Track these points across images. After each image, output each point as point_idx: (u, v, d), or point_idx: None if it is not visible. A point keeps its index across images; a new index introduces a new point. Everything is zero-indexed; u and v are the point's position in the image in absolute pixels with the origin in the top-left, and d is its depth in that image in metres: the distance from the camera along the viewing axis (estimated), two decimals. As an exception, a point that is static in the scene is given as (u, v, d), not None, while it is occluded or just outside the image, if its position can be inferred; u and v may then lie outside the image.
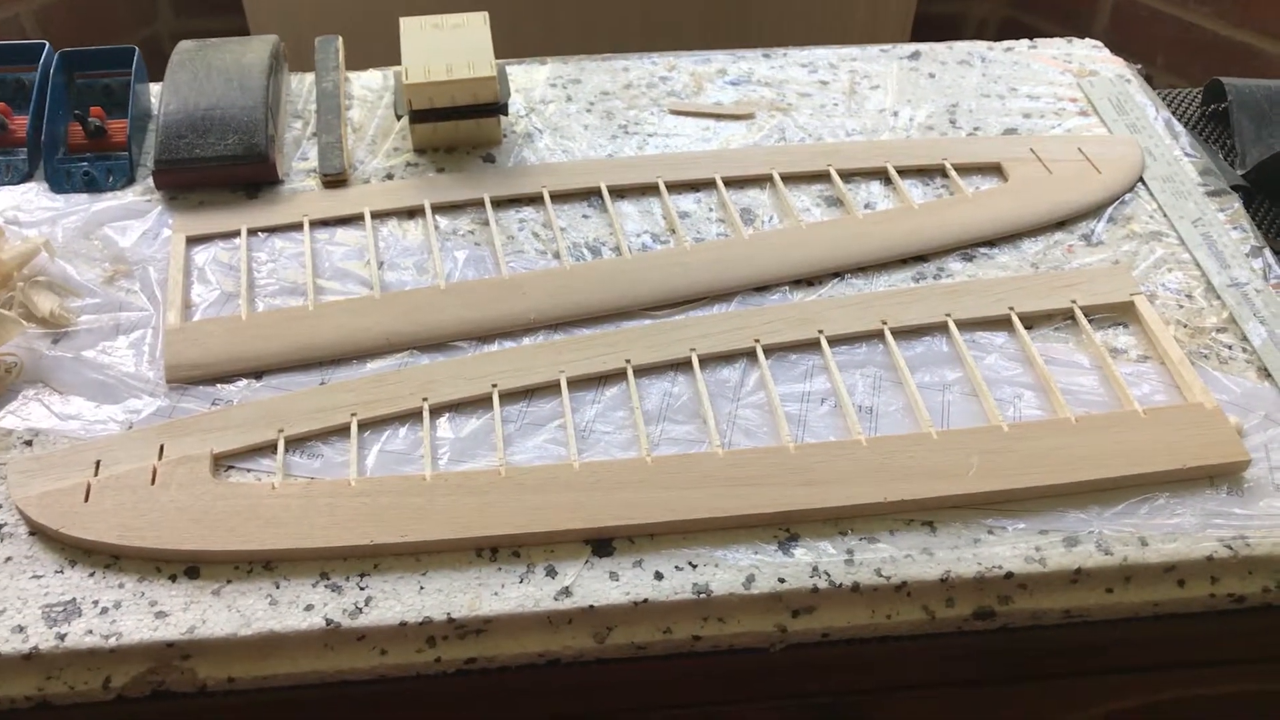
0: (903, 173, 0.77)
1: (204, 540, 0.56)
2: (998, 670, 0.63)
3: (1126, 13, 1.56)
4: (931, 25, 1.67)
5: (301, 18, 1.38)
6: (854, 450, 0.60)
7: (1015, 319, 0.67)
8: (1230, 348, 0.66)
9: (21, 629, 0.53)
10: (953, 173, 0.76)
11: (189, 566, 0.55)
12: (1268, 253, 0.72)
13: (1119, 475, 0.59)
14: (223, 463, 0.60)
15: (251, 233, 0.72)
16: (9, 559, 0.55)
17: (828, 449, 0.60)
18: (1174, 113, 0.85)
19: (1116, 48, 0.90)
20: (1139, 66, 0.87)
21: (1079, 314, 0.67)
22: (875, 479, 0.58)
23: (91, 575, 0.55)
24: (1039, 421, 0.61)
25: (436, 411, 0.62)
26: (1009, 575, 0.56)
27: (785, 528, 0.57)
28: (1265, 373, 0.65)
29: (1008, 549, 0.56)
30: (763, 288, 0.69)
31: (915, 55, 0.88)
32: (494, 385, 0.63)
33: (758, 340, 0.65)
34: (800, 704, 0.63)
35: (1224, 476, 0.59)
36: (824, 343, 0.65)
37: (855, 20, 1.48)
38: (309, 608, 0.54)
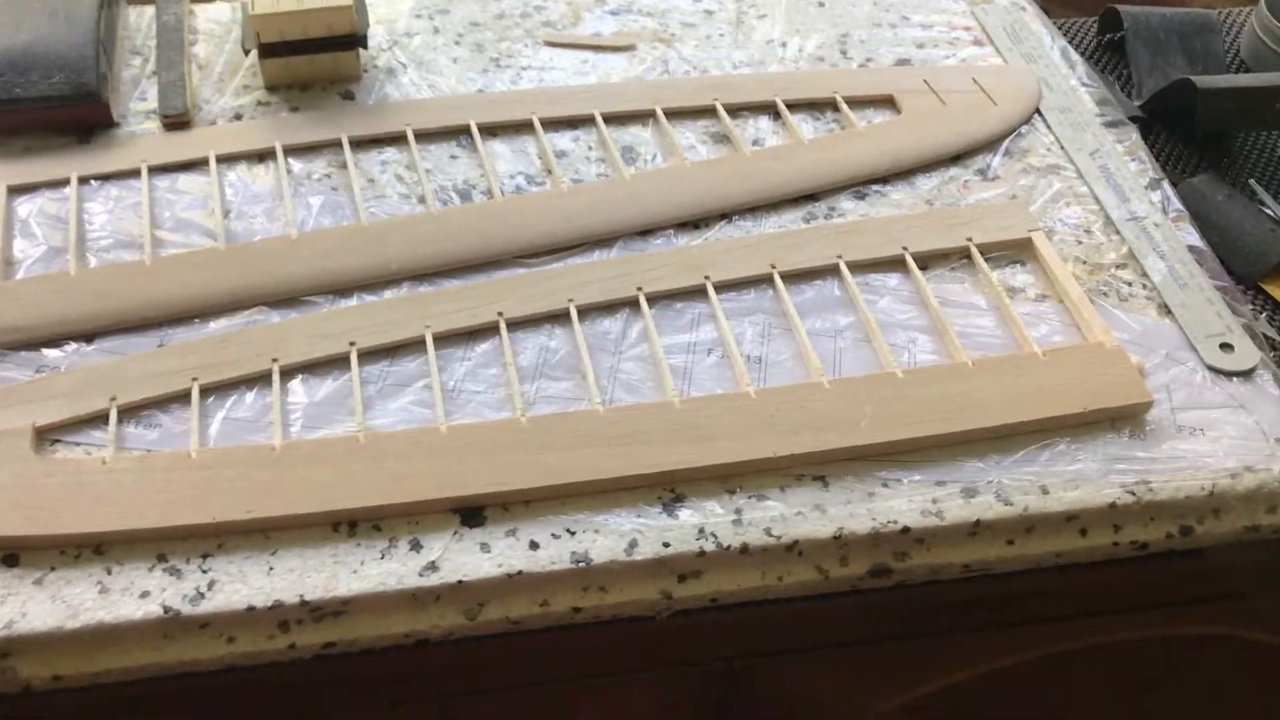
0: (792, 107, 0.73)
1: (24, 524, 0.50)
2: (896, 628, 0.60)
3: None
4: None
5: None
6: (742, 402, 0.56)
7: (909, 259, 0.63)
8: (1130, 284, 0.64)
9: None
10: (844, 106, 0.72)
11: (7, 554, 0.50)
12: (1166, 185, 0.69)
13: (1018, 421, 0.56)
14: (47, 436, 0.54)
15: (83, 181, 0.65)
16: None
17: (714, 403, 0.56)
18: (1070, 42, 0.82)
19: None
20: (1034, -7, 0.84)
21: (975, 253, 0.64)
22: (765, 433, 0.54)
23: (-108, 569, 0.49)
24: (934, 367, 0.58)
25: (288, 374, 0.57)
26: (905, 530, 0.53)
27: (670, 488, 0.53)
28: (1166, 309, 0.63)
29: (903, 503, 0.53)
30: (646, 231, 0.65)
31: (805, -17, 0.83)
32: (352, 344, 0.57)
33: (640, 289, 0.61)
34: (691, 672, 0.60)
35: (1126, 419, 0.57)
36: (710, 289, 0.61)
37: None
38: (145, 595, 0.49)
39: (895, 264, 0.64)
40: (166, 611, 0.48)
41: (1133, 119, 0.77)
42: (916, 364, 0.59)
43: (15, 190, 0.65)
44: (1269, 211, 0.73)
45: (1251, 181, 0.76)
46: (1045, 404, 0.56)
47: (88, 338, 0.58)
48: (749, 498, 0.53)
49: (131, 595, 0.48)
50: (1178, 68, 0.83)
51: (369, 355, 0.58)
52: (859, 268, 0.63)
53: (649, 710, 0.64)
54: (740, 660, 0.60)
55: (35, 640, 0.48)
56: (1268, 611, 0.65)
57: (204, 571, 0.49)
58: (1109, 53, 0.87)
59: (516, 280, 0.61)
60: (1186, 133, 0.79)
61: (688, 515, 0.52)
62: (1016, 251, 0.65)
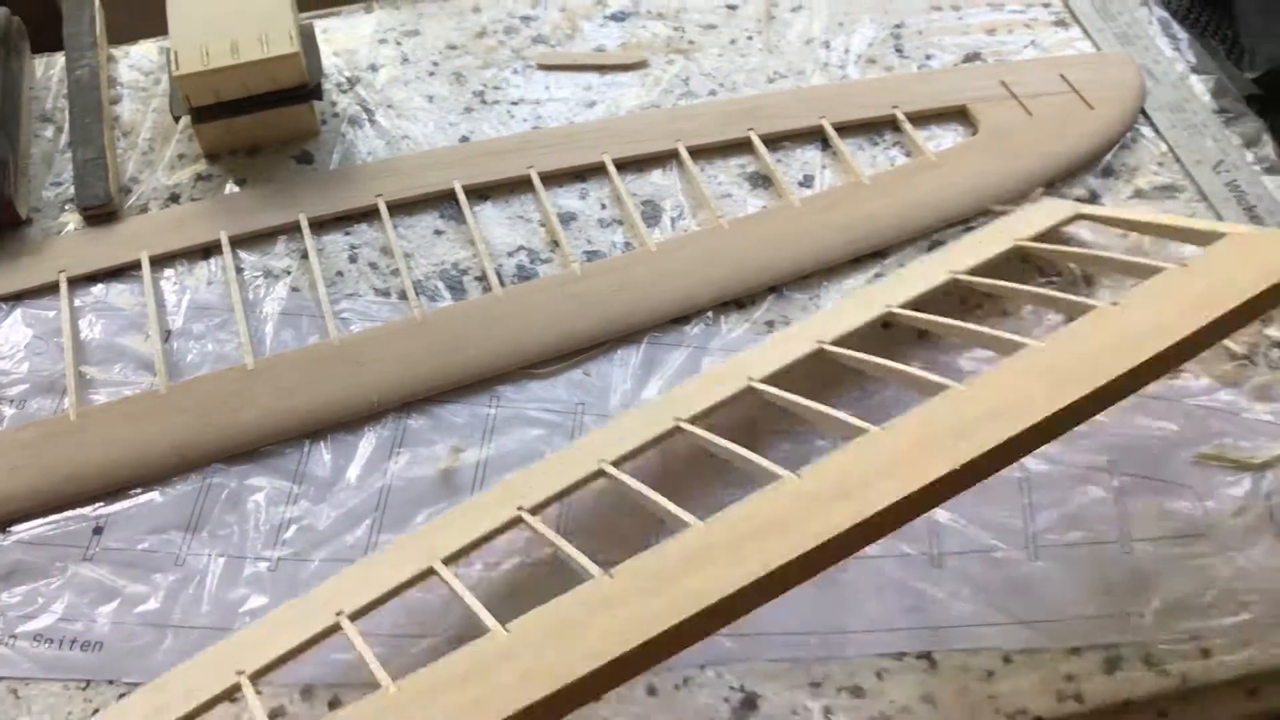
0: (843, 130, 0.60)
1: None
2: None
3: None
4: None
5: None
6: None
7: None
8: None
9: None
10: (907, 126, 0.59)
11: None
12: (1316, 204, 0.56)
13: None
14: None
15: (-18, 305, 0.54)
16: None
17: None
18: (1165, 6, 0.68)
19: None
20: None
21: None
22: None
23: None
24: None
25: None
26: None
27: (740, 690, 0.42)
28: (1325, 370, 0.50)
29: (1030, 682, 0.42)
30: (679, 319, 0.53)
31: (843, -39, 0.69)
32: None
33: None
34: None
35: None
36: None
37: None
38: None
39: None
40: None
41: (1248, 99, 0.63)
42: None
43: (-96, 326, 0.53)
44: None
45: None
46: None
47: (2, 526, 0.47)
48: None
49: None
50: (1299, 29, 0.69)
51: (351, 530, 0.46)
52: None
53: None
54: None
55: None
56: None
57: None
58: (1207, 9, 0.73)
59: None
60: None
61: (766, 728, 0.42)
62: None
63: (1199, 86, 0.62)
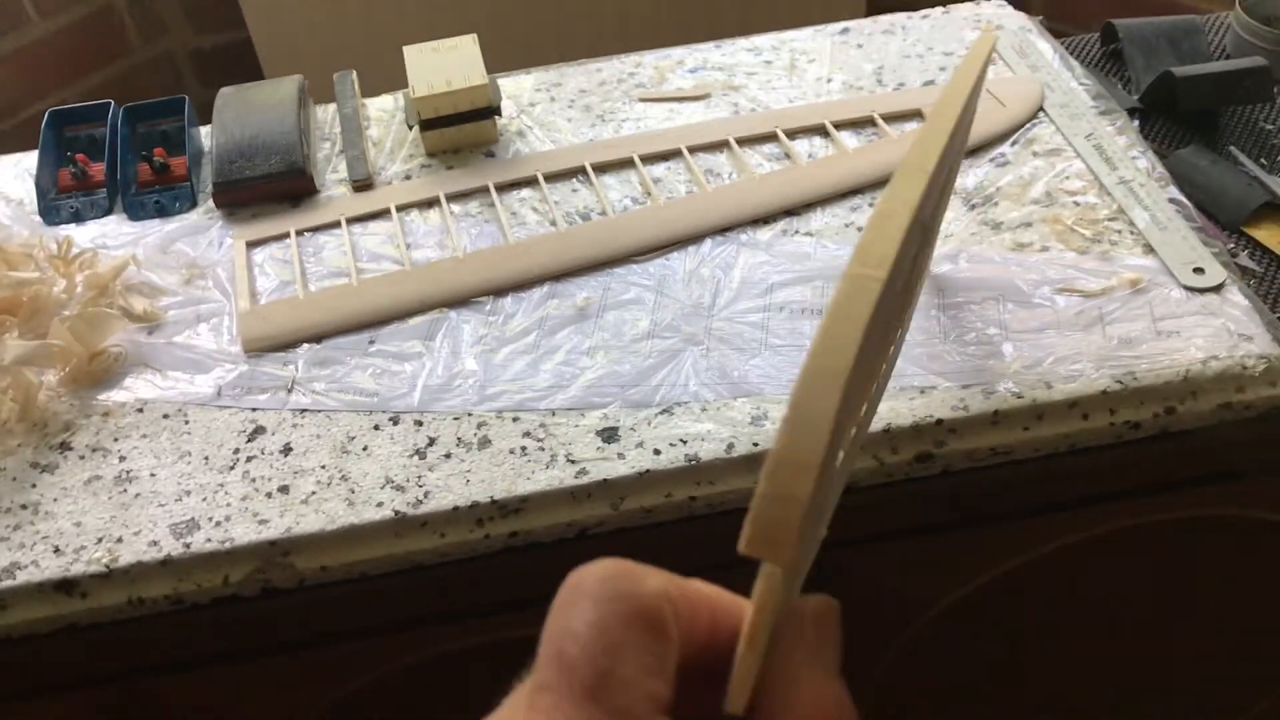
0: (839, 126, 0.90)
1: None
2: (948, 515, 0.75)
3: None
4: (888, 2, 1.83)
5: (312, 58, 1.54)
6: (807, 341, 0.73)
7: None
8: (1120, 232, 0.79)
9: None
10: (880, 121, 0.90)
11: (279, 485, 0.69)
12: (1150, 154, 0.85)
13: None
14: (298, 407, 0.74)
15: (298, 234, 0.87)
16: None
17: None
18: (1076, 55, 0.99)
19: (1055, 16, 1.03)
20: (1040, 18, 1.00)
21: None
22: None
23: (205, 497, 0.69)
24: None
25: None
26: (939, 422, 0.69)
27: (755, 403, 0.70)
28: (1149, 248, 0.78)
29: (937, 401, 0.69)
30: (726, 229, 0.83)
31: (845, 31, 1.02)
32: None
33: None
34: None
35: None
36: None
37: (813, 2, 1.64)
38: (379, 505, 0.67)
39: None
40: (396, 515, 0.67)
41: (1132, 111, 0.93)
42: (944, 304, 0.75)
43: (251, 244, 0.86)
44: (1247, 170, 0.88)
45: (1232, 148, 0.91)
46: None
47: (317, 339, 0.78)
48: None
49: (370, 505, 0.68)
50: (1168, 65, 0.98)
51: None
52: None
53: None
54: (826, 550, 0.76)
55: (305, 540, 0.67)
56: (1268, 491, 0.78)
57: (420, 486, 0.68)
58: (1112, 60, 1.04)
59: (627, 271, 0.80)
60: (1177, 117, 0.94)
61: (769, 425, 0.69)
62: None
63: (1082, 93, 0.91)
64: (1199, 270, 0.76)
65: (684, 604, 0.31)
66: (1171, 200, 0.81)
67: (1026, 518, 0.77)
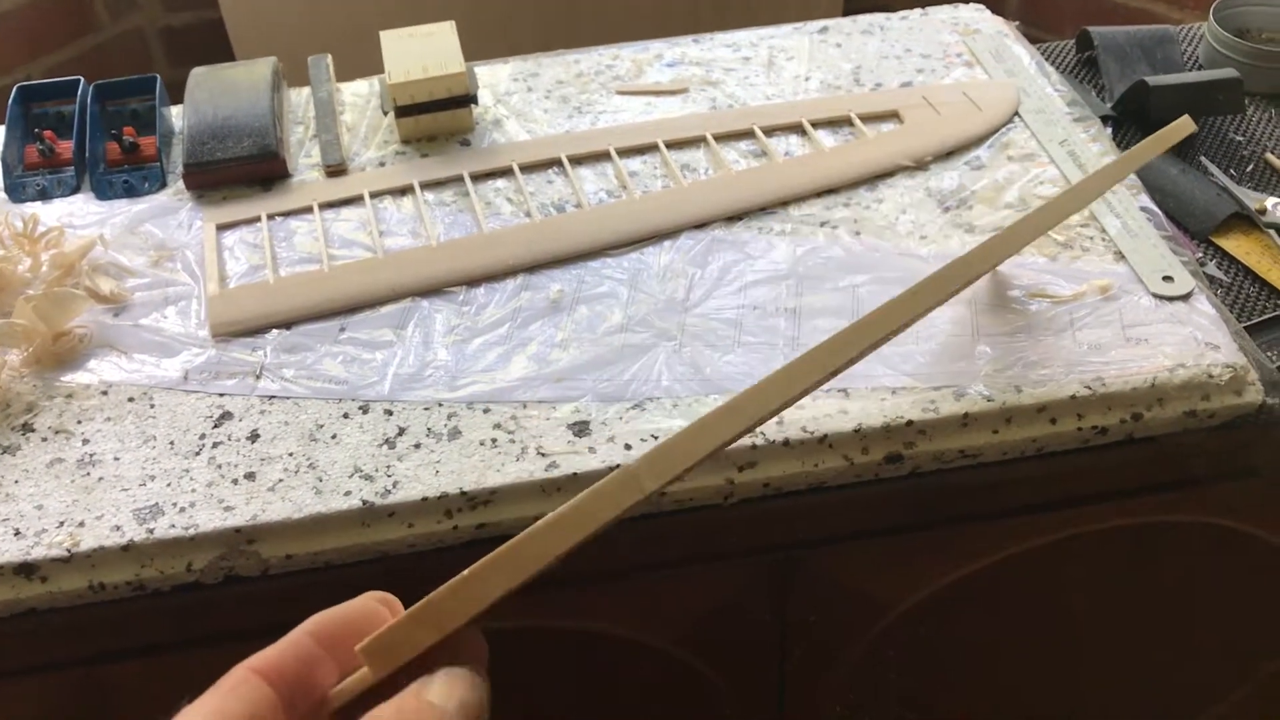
0: (815, 125, 0.91)
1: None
2: (916, 515, 0.76)
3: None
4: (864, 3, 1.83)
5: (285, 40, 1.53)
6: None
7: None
8: (1091, 239, 0.80)
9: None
10: (857, 121, 0.90)
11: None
12: (1122, 162, 0.85)
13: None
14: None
15: (270, 217, 0.86)
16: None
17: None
18: (1052, 61, 0.99)
19: (1030, 22, 1.04)
20: (1016, 23, 1.01)
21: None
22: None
23: (170, 482, 0.68)
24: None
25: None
26: (910, 423, 0.69)
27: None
28: (1120, 255, 0.78)
29: (907, 402, 0.70)
30: (700, 225, 0.83)
31: (824, 30, 1.02)
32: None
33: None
34: (756, 560, 0.76)
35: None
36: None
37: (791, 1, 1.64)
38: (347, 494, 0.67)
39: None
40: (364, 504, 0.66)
41: (1105, 118, 0.93)
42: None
43: (221, 227, 0.85)
44: (1216, 180, 0.89)
45: (1202, 158, 0.91)
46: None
47: (287, 325, 0.77)
48: (788, 405, 0.70)
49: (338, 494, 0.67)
50: (1142, 74, 0.99)
51: (496, 324, 0.76)
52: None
53: (727, 593, 0.80)
54: (795, 550, 0.76)
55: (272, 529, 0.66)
56: (1229, 498, 0.79)
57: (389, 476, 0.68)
58: (1086, 67, 1.04)
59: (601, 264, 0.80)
60: (1150, 126, 0.95)
61: (742, 420, 0.69)
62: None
63: (1057, 99, 0.92)
64: (1168, 279, 0.76)
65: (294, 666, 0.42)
66: (1143, 208, 0.82)
67: (993, 520, 0.78)
